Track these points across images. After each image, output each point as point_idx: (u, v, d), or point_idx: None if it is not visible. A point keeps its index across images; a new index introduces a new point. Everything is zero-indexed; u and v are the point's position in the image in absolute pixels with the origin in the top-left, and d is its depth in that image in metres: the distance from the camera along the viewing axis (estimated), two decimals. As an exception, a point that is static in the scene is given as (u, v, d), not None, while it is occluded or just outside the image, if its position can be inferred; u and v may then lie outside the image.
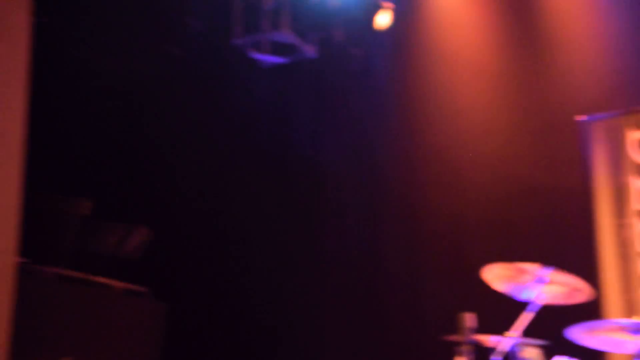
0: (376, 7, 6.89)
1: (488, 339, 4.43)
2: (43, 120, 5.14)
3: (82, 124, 6.78)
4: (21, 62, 4.71)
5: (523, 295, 4.44)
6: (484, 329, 4.55)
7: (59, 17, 6.48)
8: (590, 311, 5.01)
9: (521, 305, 4.43)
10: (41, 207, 6.05)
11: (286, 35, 6.81)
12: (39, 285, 4.88)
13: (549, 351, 4.48)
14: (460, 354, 4.43)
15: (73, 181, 6.42)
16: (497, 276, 4.50)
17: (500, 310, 4.62)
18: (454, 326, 4.55)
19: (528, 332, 4.37)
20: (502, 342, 4.32)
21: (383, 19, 6.91)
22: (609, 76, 5.89)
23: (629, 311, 5.22)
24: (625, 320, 3.83)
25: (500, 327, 4.43)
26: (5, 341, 4.35)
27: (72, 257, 5.24)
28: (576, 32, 6.15)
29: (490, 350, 4.43)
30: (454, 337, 4.52)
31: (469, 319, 4.49)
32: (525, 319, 4.33)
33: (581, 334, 3.93)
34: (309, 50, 6.98)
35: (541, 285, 4.33)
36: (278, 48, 6.92)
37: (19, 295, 4.42)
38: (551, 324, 4.34)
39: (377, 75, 7.09)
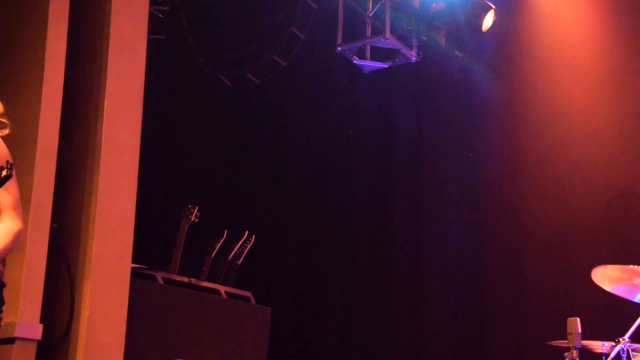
0: (479, 9, 6.80)
1: (597, 345, 4.29)
2: (150, 129, 5.38)
3: (187, 134, 7.04)
4: (138, 77, 4.93)
5: (635, 298, 4.28)
6: (592, 334, 4.42)
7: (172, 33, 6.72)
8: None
9: (631, 310, 4.28)
10: (154, 214, 6.34)
11: (388, 40, 6.81)
12: (152, 290, 5.08)
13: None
14: (569, 360, 4.31)
15: (178, 188, 6.69)
16: (606, 277, 4.36)
17: (609, 315, 4.48)
18: (562, 331, 4.44)
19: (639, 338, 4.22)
20: (611, 348, 4.18)
21: (487, 20, 6.81)
22: None
23: None
24: None
25: (608, 333, 4.29)
26: (121, 343, 4.56)
27: (181, 263, 5.43)
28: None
29: (599, 357, 4.29)
30: (561, 343, 4.40)
31: (577, 324, 4.36)
32: (637, 323, 4.17)
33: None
34: (411, 55, 6.96)
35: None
36: (380, 53, 6.95)
37: (133, 300, 4.63)
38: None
39: (478, 78, 7.01)
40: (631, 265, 4.27)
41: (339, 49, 6.79)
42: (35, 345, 4.24)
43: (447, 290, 6.60)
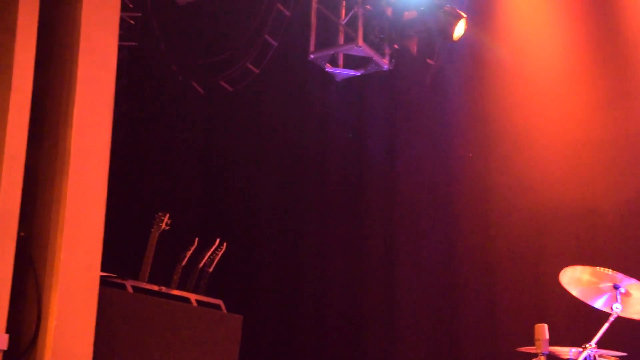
0: (450, 18, 6.84)
1: (564, 351, 4.32)
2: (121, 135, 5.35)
3: (160, 141, 7.01)
4: (109, 84, 4.89)
5: (599, 305, 4.32)
6: (560, 340, 4.46)
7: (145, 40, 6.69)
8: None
9: (598, 316, 4.31)
10: (124, 222, 6.29)
11: (360, 48, 6.83)
12: (121, 298, 5.03)
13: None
14: (537, 366, 4.34)
15: (149, 195, 6.65)
16: (575, 279, 4.39)
17: (578, 322, 4.51)
18: (530, 338, 4.46)
19: (605, 344, 4.25)
20: (578, 354, 4.21)
21: (458, 29, 6.86)
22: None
23: None
24: None
25: (576, 339, 4.32)
26: (90, 352, 4.51)
27: (152, 271, 5.39)
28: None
29: (568, 363, 4.32)
30: (529, 349, 4.43)
31: (545, 330, 4.38)
32: (603, 329, 4.21)
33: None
34: (383, 63, 6.98)
35: (619, 295, 4.20)
36: (352, 61, 6.97)
37: (102, 309, 4.58)
38: (629, 334, 4.20)
39: (451, 86, 7.06)
40: (599, 268, 4.30)
41: (312, 56, 6.80)
42: (0, 355, 4.18)
43: (419, 297, 6.63)
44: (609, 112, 6.04)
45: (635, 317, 4.40)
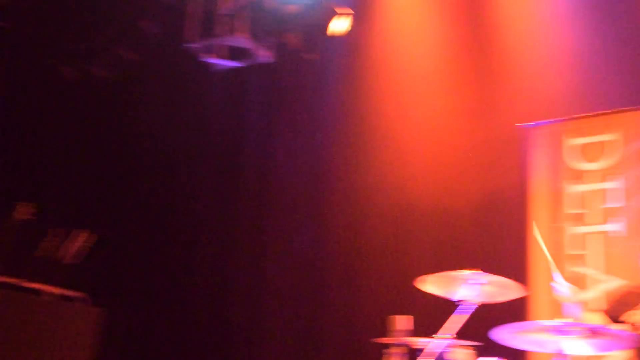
0: (333, 14, 6.88)
1: (418, 341, 4.40)
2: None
3: (28, 128, 6.75)
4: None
5: (456, 296, 4.43)
6: (420, 331, 4.54)
7: (16, 22, 6.44)
8: (519, 312, 5.06)
9: (455, 307, 4.42)
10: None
11: (241, 40, 6.78)
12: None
13: (480, 352, 4.47)
14: (388, 356, 4.40)
15: (15, 186, 6.39)
16: (431, 283, 4.49)
17: (437, 313, 4.61)
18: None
19: (461, 334, 4.36)
20: (431, 344, 4.30)
21: (340, 26, 6.90)
22: (551, 84, 5.94)
23: (555, 312, 5.22)
24: (548, 322, 3.85)
25: (436, 330, 4.42)
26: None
27: (11, 263, 5.19)
28: (521, 41, 6.21)
29: (421, 352, 4.40)
30: (384, 340, 4.49)
31: (401, 322, 4.46)
32: (457, 320, 4.31)
33: (507, 335, 3.93)
34: (264, 55, 6.95)
35: (474, 287, 4.32)
36: (232, 52, 6.91)
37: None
38: (483, 325, 4.33)
39: (331, 81, 7.10)
40: (452, 272, 4.41)
41: (190, 45, 6.70)
42: None
43: (287, 291, 6.65)
44: (473, 118, 6.23)
45: (488, 301, 4.52)
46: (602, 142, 5.72)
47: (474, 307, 4.36)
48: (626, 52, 5.85)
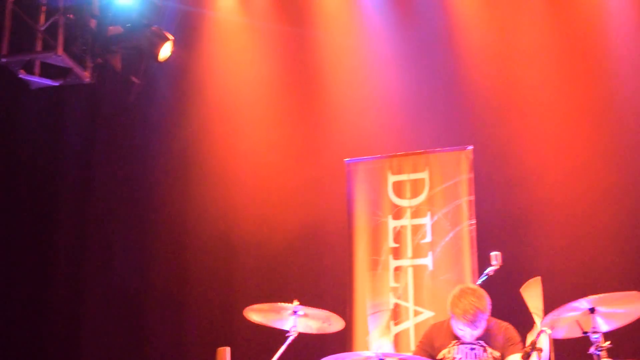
0: (157, 38, 6.79)
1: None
2: None
3: None
4: None
5: (281, 327, 4.50)
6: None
7: None
8: (343, 342, 5.24)
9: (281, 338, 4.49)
10: None
11: (59, 58, 6.50)
12: None
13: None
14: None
15: None
16: (257, 313, 4.53)
17: (261, 344, 4.65)
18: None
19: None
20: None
21: (164, 50, 6.83)
22: (375, 122, 6.25)
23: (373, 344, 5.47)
24: (367, 352, 4.02)
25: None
26: None
27: None
28: (346, 80, 6.50)
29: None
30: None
31: (226, 354, 4.46)
32: (281, 350, 4.38)
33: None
34: (84, 75, 6.71)
35: (297, 318, 4.41)
36: (50, 70, 6.60)
37: None
38: (304, 357, 4.42)
39: (155, 106, 7.00)
40: (277, 303, 4.48)
41: (3, 60, 6.33)
42: None
43: (106, 320, 6.42)
44: (299, 152, 6.41)
45: (310, 331, 4.63)
46: (416, 180, 6.08)
47: (294, 337, 4.45)
48: (438, 98, 6.31)
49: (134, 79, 6.89)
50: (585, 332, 3.87)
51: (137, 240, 6.60)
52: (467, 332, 4.32)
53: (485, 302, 4.34)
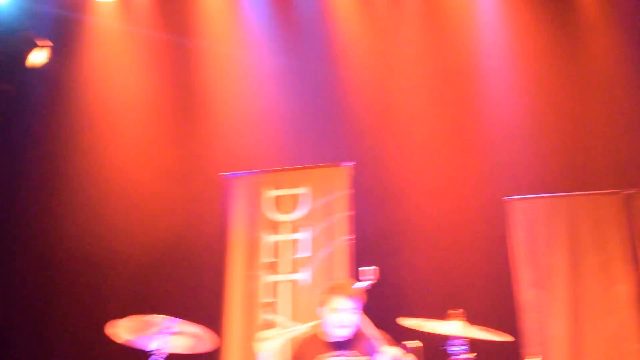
0: (29, 45, 6.53)
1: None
2: None
3: None
4: None
5: (150, 346, 4.35)
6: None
7: None
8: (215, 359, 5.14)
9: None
10: None
11: None
12: None
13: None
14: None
15: None
16: (123, 329, 4.36)
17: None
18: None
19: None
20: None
21: (38, 57, 6.56)
22: (256, 136, 6.23)
23: (249, 359, 5.40)
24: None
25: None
26: None
27: None
28: (227, 93, 6.44)
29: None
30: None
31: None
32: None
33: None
34: (-49, 81, 6.36)
35: (167, 335, 4.28)
36: None
37: None
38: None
39: (27, 114, 6.72)
40: (144, 316, 4.34)
41: None
42: None
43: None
44: (176, 166, 6.29)
45: (181, 352, 4.49)
46: (294, 195, 6.06)
47: (166, 355, 4.32)
48: (319, 114, 6.33)
49: (4, 85, 6.60)
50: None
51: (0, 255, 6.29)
52: (348, 311, 4.24)
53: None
